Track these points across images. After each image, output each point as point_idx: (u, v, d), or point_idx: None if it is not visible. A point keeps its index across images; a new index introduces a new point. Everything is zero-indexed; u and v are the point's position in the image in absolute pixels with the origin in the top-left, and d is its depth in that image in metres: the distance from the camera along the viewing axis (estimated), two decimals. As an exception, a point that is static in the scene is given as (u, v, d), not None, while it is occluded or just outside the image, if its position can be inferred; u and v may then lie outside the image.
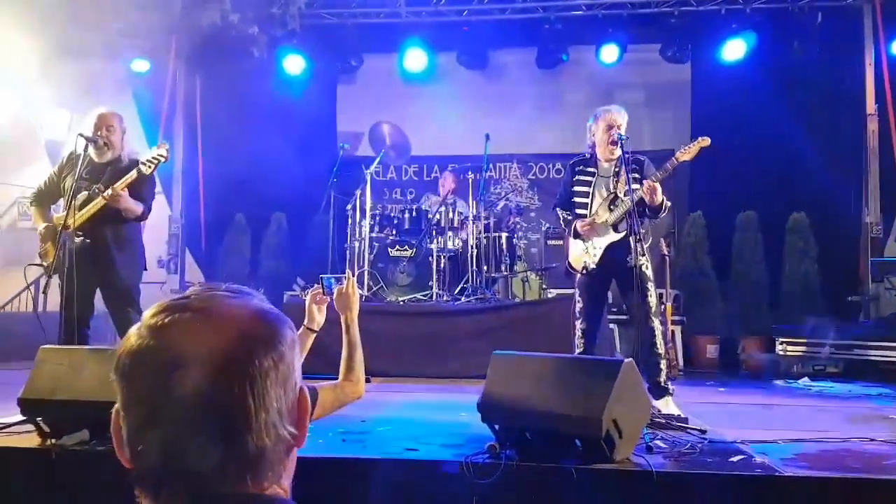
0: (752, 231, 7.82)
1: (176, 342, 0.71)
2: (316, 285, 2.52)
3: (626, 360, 2.74)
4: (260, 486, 0.73)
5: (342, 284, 2.45)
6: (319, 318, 2.48)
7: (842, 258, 7.67)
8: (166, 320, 0.73)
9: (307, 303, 2.47)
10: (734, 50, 7.65)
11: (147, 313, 0.75)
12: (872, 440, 3.27)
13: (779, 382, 6.24)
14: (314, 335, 2.48)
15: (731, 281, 7.83)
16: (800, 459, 2.86)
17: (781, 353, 6.80)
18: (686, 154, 4.08)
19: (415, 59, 8.17)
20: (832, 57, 7.35)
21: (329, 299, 2.47)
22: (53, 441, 2.90)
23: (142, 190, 4.16)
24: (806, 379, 6.21)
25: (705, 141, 4.08)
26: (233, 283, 0.81)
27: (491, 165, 8.25)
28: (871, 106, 7.47)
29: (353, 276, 2.50)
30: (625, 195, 4.12)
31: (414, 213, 6.81)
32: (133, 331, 0.74)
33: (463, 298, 6.36)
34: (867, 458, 2.92)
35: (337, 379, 2.34)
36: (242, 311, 0.76)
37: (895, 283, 6.80)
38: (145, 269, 4.50)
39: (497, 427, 2.87)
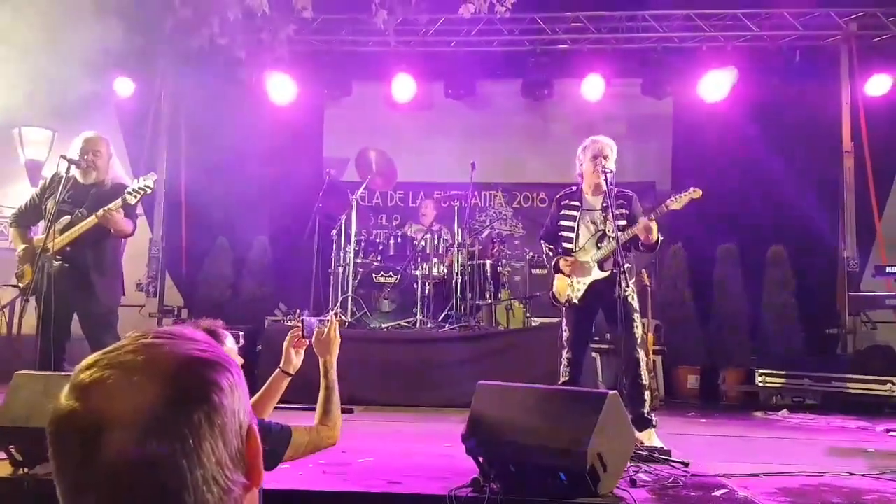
0: (732, 263, 7.92)
1: (100, 404, 0.69)
2: (296, 326, 2.45)
3: (610, 393, 2.74)
4: None
5: (324, 326, 2.39)
6: (297, 361, 2.42)
7: (819, 291, 7.78)
8: (90, 380, 0.71)
9: (285, 345, 2.41)
10: (716, 86, 7.81)
11: (76, 369, 0.73)
12: (852, 474, 3.29)
13: (758, 414, 6.28)
14: (289, 378, 2.42)
15: (711, 312, 7.90)
16: (781, 494, 2.87)
17: (761, 384, 6.86)
18: (676, 203, 4.11)
19: (403, 87, 8.24)
20: (810, 94, 7.53)
21: (308, 342, 2.41)
22: (26, 470, 2.82)
23: (128, 211, 4.14)
24: (785, 411, 6.25)
25: (697, 193, 4.11)
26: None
27: (476, 193, 8.29)
28: (847, 143, 7.64)
29: (337, 318, 2.45)
30: (612, 233, 4.13)
31: (399, 240, 6.81)
32: (63, 391, 0.72)
33: (447, 326, 6.35)
34: (846, 493, 2.94)
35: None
36: (170, 362, 0.72)
37: (871, 317, 6.90)
38: (123, 294, 4.45)
39: (481, 459, 2.85)
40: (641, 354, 4.08)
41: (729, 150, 7.76)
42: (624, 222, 4.13)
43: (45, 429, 0.71)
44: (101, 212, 3.94)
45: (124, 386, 0.70)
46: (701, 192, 4.11)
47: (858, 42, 7.70)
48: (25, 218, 4.28)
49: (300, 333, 2.40)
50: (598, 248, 4.23)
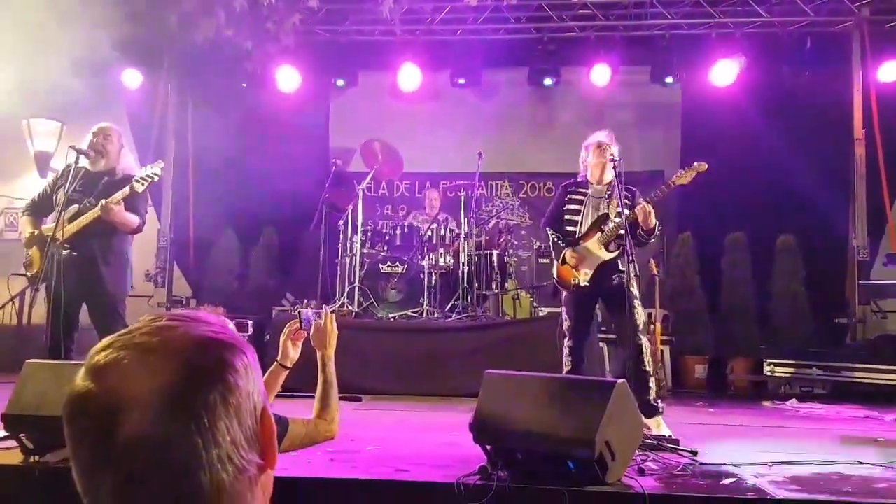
0: (740, 252, 7.87)
1: (115, 384, 0.69)
2: (294, 319, 2.44)
3: (619, 382, 2.74)
4: None
5: (320, 319, 2.37)
6: (294, 354, 2.40)
7: (829, 280, 7.73)
8: (105, 361, 0.71)
9: (282, 339, 2.39)
10: (724, 73, 7.75)
11: (92, 351, 0.74)
12: (862, 463, 3.28)
13: (767, 404, 6.25)
14: (287, 372, 2.41)
15: (719, 301, 7.87)
16: (791, 482, 2.86)
17: (769, 373, 6.83)
18: (682, 178, 4.09)
19: (408, 76, 8.20)
20: (821, 81, 7.46)
21: (305, 334, 2.39)
22: (37, 458, 2.84)
23: (137, 204, 4.15)
24: (794, 400, 6.23)
25: (702, 166, 4.09)
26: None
27: (482, 183, 8.27)
28: (858, 130, 7.57)
29: (333, 312, 2.43)
30: (616, 216, 4.14)
31: (405, 230, 6.80)
32: (79, 373, 0.73)
33: (454, 316, 6.35)
34: (857, 482, 2.92)
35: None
36: (185, 343, 0.73)
37: (881, 306, 6.85)
38: (132, 287, 4.45)
39: (489, 448, 2.85)
40: (644, 340, 4.06)
41: (738, 137, 7.69)
42: (627, 211, 4.12)
43: (62, 410, 0.72)
44: (103, 202, 3.95)
45: (139, 367, 0.70)
46: (706, 166, 4.10)
47: (870, 28, 7.60)
48: (38, 208, 4.30)
49: (297, 326, 2.38)
50: (602, 230, 4.23)
